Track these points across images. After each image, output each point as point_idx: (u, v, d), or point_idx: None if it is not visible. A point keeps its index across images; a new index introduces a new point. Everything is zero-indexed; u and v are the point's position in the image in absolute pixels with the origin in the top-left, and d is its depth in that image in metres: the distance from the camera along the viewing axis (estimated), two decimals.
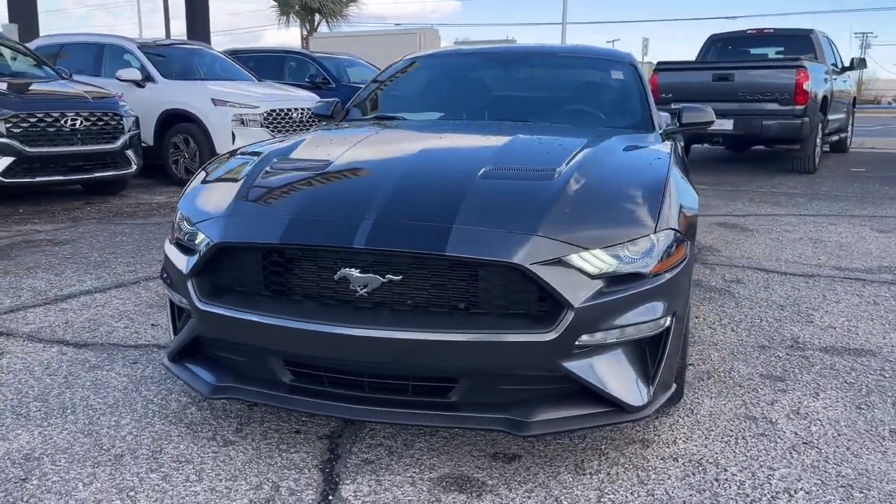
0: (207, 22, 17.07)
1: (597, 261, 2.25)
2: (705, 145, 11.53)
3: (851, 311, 4.16)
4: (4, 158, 6.78)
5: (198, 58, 10.40)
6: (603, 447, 2.57)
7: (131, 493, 2.24)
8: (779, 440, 2.64)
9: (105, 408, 2.82)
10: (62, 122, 7.09)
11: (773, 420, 2.79)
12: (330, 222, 2.31)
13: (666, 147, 3.11)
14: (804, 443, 2.62)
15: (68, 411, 2.78)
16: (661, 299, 2.34)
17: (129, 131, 7.73)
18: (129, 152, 7.76)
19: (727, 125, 10.23)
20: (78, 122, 7.21)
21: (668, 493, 2.29)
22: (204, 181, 2.81)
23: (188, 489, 2.26)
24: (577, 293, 2.18)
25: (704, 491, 2.30)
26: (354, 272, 2.23)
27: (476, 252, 2.16)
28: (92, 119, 7.34)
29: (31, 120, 6.90)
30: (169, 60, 9.94)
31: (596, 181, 2.53)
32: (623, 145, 3.01)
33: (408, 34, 21.82)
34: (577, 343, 2.21)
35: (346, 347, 2.23)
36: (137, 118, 8.01)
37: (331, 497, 2.24)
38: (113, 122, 7.54)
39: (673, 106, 10.71)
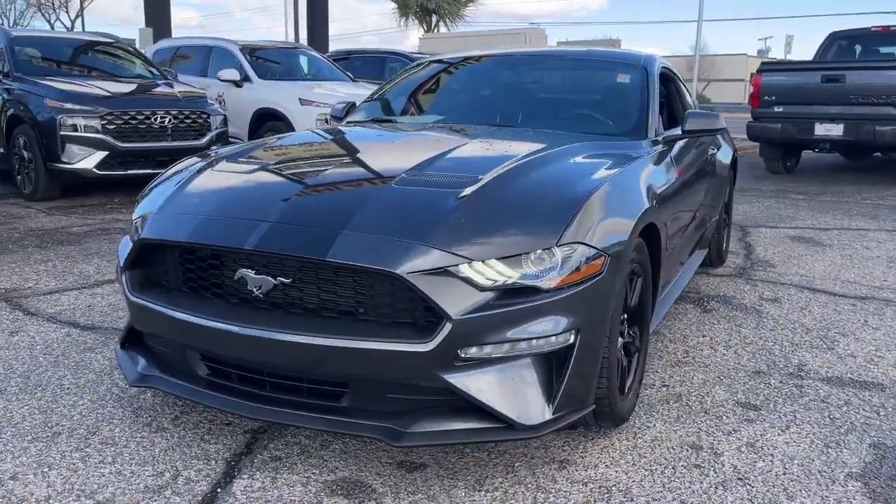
0: (326, 25, 17.78)
1: (491, 272, 2.19)
2: (815, 151, 10.73)
3: (886, 340, 3.78)
4: (99, 153, 7.38)
5: (296, 59, 10.85)
6: (517, 464, 2.49)
7: (46, 469, 2.40)
8: (712, 474, 2.45)
9: (73, 388, 3.02)
10: (152, 119, 7.62)
11: (720, 451, 2.60)
12: (232, 223, 2.37)
13: (634, 157, 2.96)
14: (739, 478, 2.42)
15: (40, 389, 3.01)
16: (562, 314, 2.24)
17: (215, 129, 8.19)
18: (215, 148, 8.21)
19: (836, 130, 9.50)
20: (167, 120, 7.72)
21: None
22: (161, 180, 2.96)
23: (97, 470, 2.40)
24: (459, 305, 2.13)
25: None
26: (250, 273, 2.28)
27: (356, 259, 2.15)
28: (180, 117, 7.83)
29: (124, 118, 7.46)
30: (269, 62, 10.47)
31: (513, 190, 2.45)
32: (579, 153, 2.89)
33: (513, 34, 21.72)
34: (461, 355, 2.16)
35: (244, 347, 2.29)
36: (225, 117, 8.47)
37: (219, 490, 2.30)
38: (200, 121, 8.01)
39: (776, 109, 10.10)
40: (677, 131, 3.53)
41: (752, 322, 4.04)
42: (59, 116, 7.28)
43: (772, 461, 2.54)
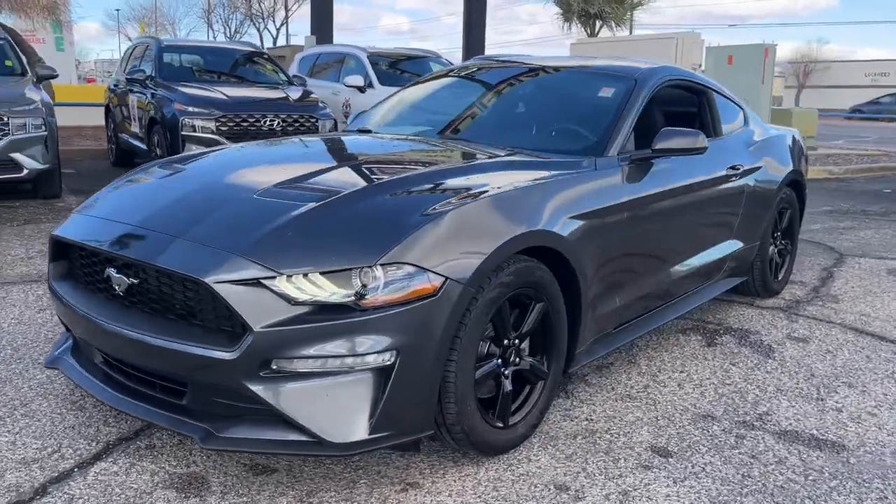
0: (483, 32, 18.10)
1: (309, 286, 2.20)
2: None
3: None
4: None
5: (421, 66, 11.14)
6: (361, 481, 2.47)
7: None
8: None
9: (42, 364, 3.38)
10: (262, 122, 8.20)
11: (583, 496, 2.42)
12: (106, 226, 2.56)
13: (551, 177, 2.82)
14: None
15: (17, 361, 3.39)
16: (381, 334, 2.20)
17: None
18: None
19: None
20: (275, 123, 8.27)
21: None
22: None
23: None
24: (266, 316, 2.16)
25: None
26: (113, 272, 2.46)
27: (175, 265, 2.25)
28: (289, 120, 8.36)
29: (237, 119, 8.09)
30: (399, 70, 10.89)
31: (356, 208, 2.43)
32: (475, 172, 2.80)
33: (664, 39, 20.64)
34: (272, 367, 2.19)
35: (106, 340, 2.48)
36: (336, 121, 8.91)
37: (76, 470, 2.49)
38: (308, 124, 8.49)
39: None
40: (647, 151, 3.27)
41: (751, 362, 3.66)
42: (182, 118, 8.04)
43: None
